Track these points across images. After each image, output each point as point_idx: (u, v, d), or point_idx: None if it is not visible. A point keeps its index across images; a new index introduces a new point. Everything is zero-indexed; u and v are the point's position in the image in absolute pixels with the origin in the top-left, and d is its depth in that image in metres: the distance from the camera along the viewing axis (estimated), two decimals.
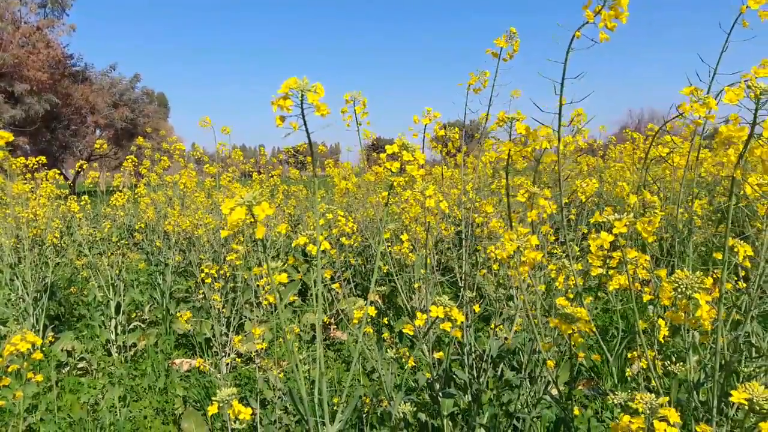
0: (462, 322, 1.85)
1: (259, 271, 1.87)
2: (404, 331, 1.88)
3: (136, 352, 5.45)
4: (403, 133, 1.93)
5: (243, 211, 1.39)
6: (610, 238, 1.59)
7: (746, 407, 1.39)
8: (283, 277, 1.61)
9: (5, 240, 5.73)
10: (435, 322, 1.84)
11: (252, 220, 1.42)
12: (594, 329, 1.84)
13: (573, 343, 1.92)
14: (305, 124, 1.55)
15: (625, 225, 1.59)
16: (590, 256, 1.69)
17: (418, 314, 1.83)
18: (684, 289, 1.54)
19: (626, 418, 1.51)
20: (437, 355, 2.18)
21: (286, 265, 1.75)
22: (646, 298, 2.20)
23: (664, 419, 1.47)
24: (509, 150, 1.92)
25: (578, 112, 2.87)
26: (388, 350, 3.17)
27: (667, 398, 1.51)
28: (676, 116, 1.86)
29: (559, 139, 1.89)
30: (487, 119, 3.46)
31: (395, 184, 1.72)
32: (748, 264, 1.96)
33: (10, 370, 2.30)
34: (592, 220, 1.64)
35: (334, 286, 3.02)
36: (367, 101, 1.90)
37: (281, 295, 1.56)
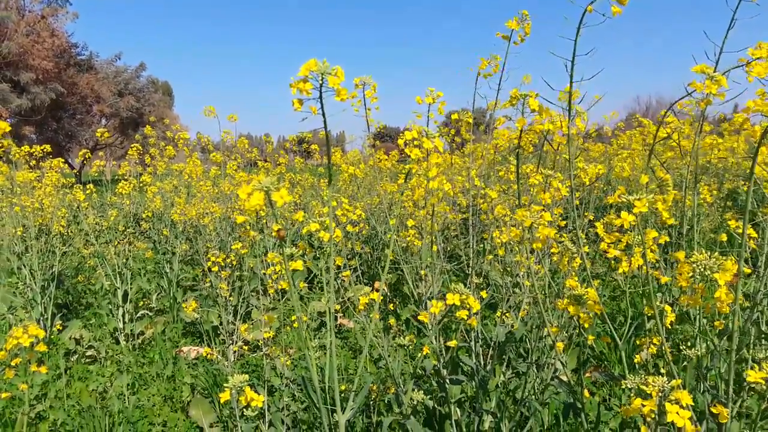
0: (478, 310, 1.84)
1: (272, 258, 1.87)
2: (420, 318, 1.88)
3: (144, 340, 5.47)
4: (413, 121, 1.92)
5: (261, 197, 1.39)
6: (631, 218, 1.58)
7: (764, 386, 1.39)
8: (299, 264, 1.61)
9: (12, 229, 5.75)
10: (451, 309, 1.83)
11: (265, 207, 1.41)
12: (603, 310, 1.83)
13: (582, 325, 1.91)
14: (323, 108, 1.54)
15: (646, 204, 1.56)
16: (605, 236, 1.67)
17: (434, 302, 1.83)
18: (703, 270, 1.53)
19: (638, 401, 1.50)
20: (451, 342, 2.18)
21: (299, 252, 1.74)
22: (663, 279, 2.19)
23: (676, 402, 1.47)
24: (521, 127, 1.90)
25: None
26: (396, 337, 3.17)
27: (680, 381, 1.50)
28: (686, 95, 1.84)
29: (570, 117, 1.88)
30: (496, 105, 3.44)
31: (413, 170, 1.71)
32: (755, 246, 1.95)
33: (13, 363, 2.30)
34: (610, 200, 1.63)
35: (343, 274, 3.02)
36: (377, 86, 1.88)
37: (294, 281, 1.56)
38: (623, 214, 1.57)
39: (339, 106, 1.63)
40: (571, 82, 1.82)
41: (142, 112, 38.40)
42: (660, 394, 1.49)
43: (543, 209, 2.01)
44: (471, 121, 3.30)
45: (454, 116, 2.92)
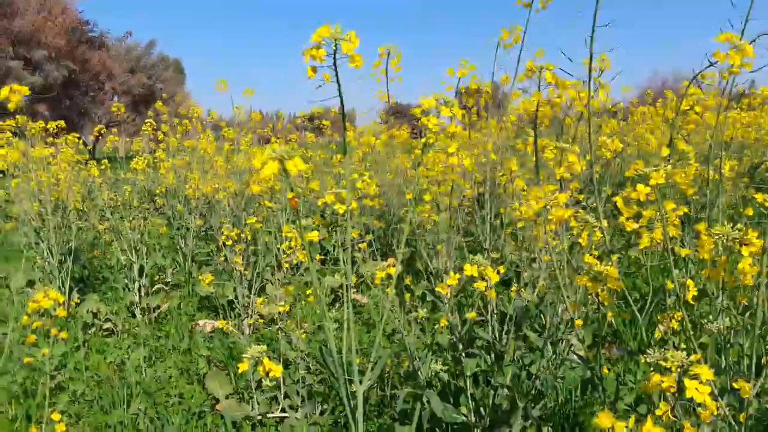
0: (496, 282, 1.82)
1: (286, 231, 1.87)
2: (437, 290, 1.87)
3: (160, 314, 5.52)
4: (427, 93, 1.88)
5: (276, 166, 1.37)
6: (647, 190, 1.55)
7: None
8: (314, 235, 1.60)
9: (29, 204, 5.78)
10: (467, 283, 1.82)
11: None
12: (623, 287, 1.81)
13: (601, 302, 1.89)
14: (337, 76, 1.52)
15: (663, 176, 1.54)
16: (624, 210, 1.65)
17: (452, 274, 1.81)
18: (726, 242, 1.50)
19: (657, 376, 1.48)
20: (470, 314, 2.17)
21: (315, 224, 1.73)
22: (684, 252, 2.16)
23: (695, 377, 1.45)
24: (537, 100, 1.86)
25: (603, 57, 2.79)
26: (411, 311, 3.17)
27: (700, 355, 1.48)
28: (709, 66, 1.79)
29: (590, 89, 1.84)
30: (515, 77, 3.39)
31: (431, 141, 1.68)
32: None
33: (34, 326, 2.32)
34: (627, 173, 1.60)
35: (361, 245, 3.01)
36: (401, 55, 1.86)
37: (311, 253, 1.55)
38: (639, 186, 1.55)
39: (357, 73, 1.61)
40: (591, 54, 1.78)
41: (153, 89, 38.36)
42: (679, 369, 1.47)
43: (558, 189, 1.98)
44: (489, 90, 3.25)
45: (473, 85, 2.87)
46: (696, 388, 1.42)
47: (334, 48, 1.51)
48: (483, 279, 1.93)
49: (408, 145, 7.90)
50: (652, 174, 1.55)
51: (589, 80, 1.98)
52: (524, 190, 3.42)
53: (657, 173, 1.55)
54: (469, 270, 1.84)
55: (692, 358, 1.47)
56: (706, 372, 1.44)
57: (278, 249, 5.89)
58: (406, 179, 7.13)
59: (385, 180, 7.51)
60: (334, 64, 1.54)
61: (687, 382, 1.43)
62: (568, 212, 1.90)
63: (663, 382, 1.46)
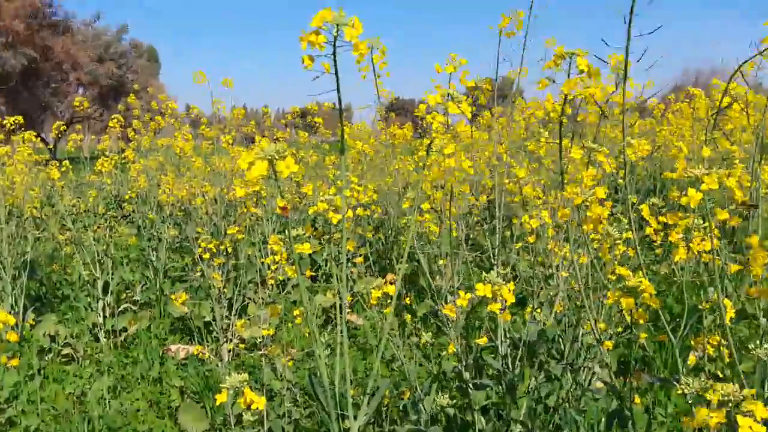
0: (511, 303, 1.81)
1: (273, 243, 1.85)
2: (444, 312, 1.85)
3: (127, 338, 5.50)
4: (429, 90, 1.87)
5: (264, 166, 1.37)
6: (699, 196, 1.53)
7: None
8: (306, 247, 1.59)
9: None
10: (482, 302, 1.81)
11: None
12: (659, 305, 1.80)
13: (635, 321, 1.87)
14: (336, 66, 1.52)
15: (716, 180, 1.52)
16: (651, 219, 1.63)
17: (461, 293, 1.80)
18: None
19: (704, 411, 1.46)
20: (481, 339, 2.15)
21: (306, 234, 1.72)
22: (733, 268, 2.14)
23: (749, 414, 1.42)
24: (568, 91, 1.85)
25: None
26: (412, 336, 3.16)
27: (753, 390, 1.46)
28: (758, 54, 1.79)
29: (625, 78, 1.83)
30: (520, 71, 3.39)
31: (435, 141, 1.67)
32: None
33: None
34: (671, 174, 1.58)
35: (357, 259, 3.00)
36: (386, 49, 1.85)
37: (301, 268, 1.54)
38: (690, 191, 1.53)
39: (352, 68, 1.61)
40: (628, 36, 1.77)
41: (124, 80, 38.39)
42: (729, 404, 1.45)
43: (592, 187, 1.97)
44: (490, 87, 3.26)
45: (469, 83, 2.86)
46: (750, 427, 1.40)
47: (335, 34, 1.51)
48: (496, 300, 1.92)
49: (410, 145, 7.91)
50: (704, 177, 1.53)
51: (626, 66, 1.96)
52: (539, 198, 3.42)
53: (709, 177, 1.53)
54: (482, 290, 1.83)
55: (744, 392, 1.45)
56: (761, 410, 1.41)
57: (262, 263, 5.88)
58: (408, 184, 7.13)
59: (384, 185, 7.51)
60: (334, 52, 1.54)
61: (740, 419, 1.41)
62: (607, 210, 1.91)
63: (712, 417, 1.44)
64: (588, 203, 1.88)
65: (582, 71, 1.86)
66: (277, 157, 1.39)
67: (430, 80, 2.53)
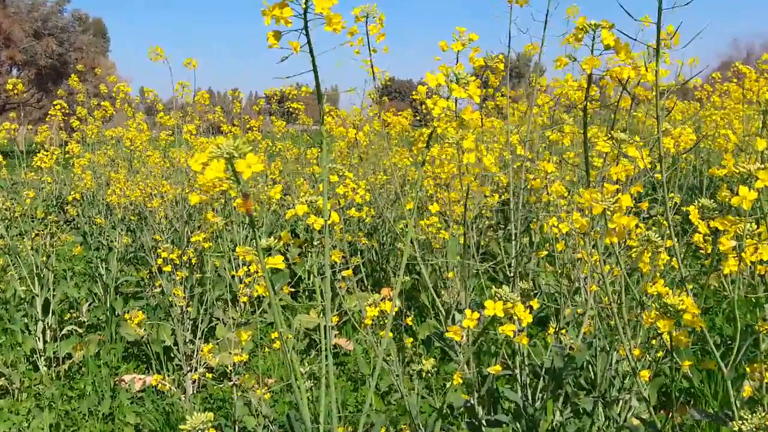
0: (528, 323, 1.80)
1: (242, 253, 1.83)
2: (449, 335, 1.83)
3: (72, 366, 5.48)
4: (431, 70, 1.86)
5: (221, 167, 1.35)
6: (753, 195, 1.52)
7: None
8: (278, 260, 1.58)
9: None
10: (493, 321, 1.79)
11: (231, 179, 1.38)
12: (705, 327, 1.79)
13: (675, 346, 1.86)
14: (309, 43, 1.51)
15: None
16: (700, 224, 1.63)
17: (468, 312, 1.78)
18: None
19: None
20: (493, 368, 2.14)
21: (279, 244, 1.71)
22: None
23: None
24: (590, 71, 1.84)
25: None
26: (412, 363, 3.15)
27: None
28: None
29: (658, 57, 1.82)
30: (542, 45, 3.39)
31: (437, 131, 1.66)
32: None
33: None
34: (718, 172, 1.58)
35: (345, 273, 2.99)
36: (384, 17, 1.85)
37: (273, 285, 1.53)
38: (742, 189, 1.52)
39: (330, 44, 1.60)
40: (659, 8, 1.77)
41: (66, 59, 38.33)
42: None
43: (618, 190, 1.96)
44: (501, 66, 3.25)
45: (478, 62, 2.84)
46: None
47: (305, 6, 1.50)
48: (511, 320, 1.90)
49: (407, 135, 7.91)
50: (759, 173, 1.52)
51: (657, 42, 1.95)
52: (564, 198, 3.42)
53: (765, 172, 1.52)
54: (492, 308, 1.81)
55: None
56: None
57: (233, 277, 5.87)
58: (405, 182, 7.13)
59: (377, 182, 7.52)
60: (305, 27, 1.53)
61: None
62: (634, 220, 1.88)
63: None
64: (611, 212, 1.86)
65: (608, 47, 1.84)
66: (236, 155, 1.37)
67: (434, 59, 2.52)
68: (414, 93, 8.22)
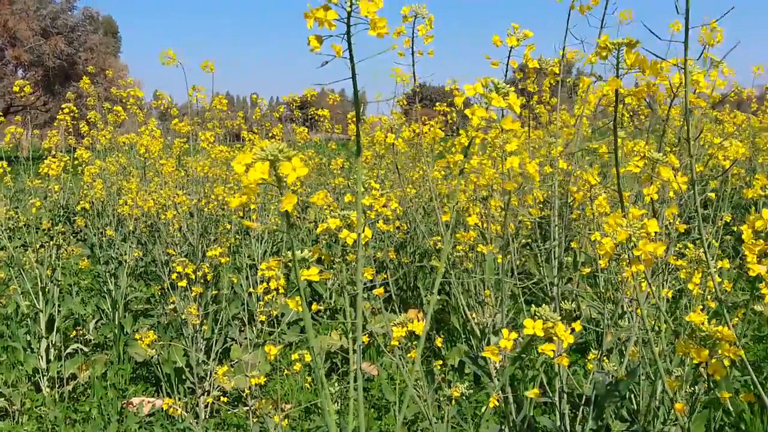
0: (569, 345, 1.81)
1: (273, 265, 1.85)
2: (483, 355, 1.84)
3: (77, 387, 5.52)
4: (455, 79, 1.89)
5: (265, 169, 1.39)
6: None
7: None
8: (314, 272, 1.61)
9: None
10: (531, 343, 1.81)
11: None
12: (743, 356, 1.80)
13: (712, 376, 1.87)
14: (350, 48, 1.55)
15: None
16: (749, 245, 1.65)
17: (505, 332, 1.79)
18: None
19: None
20: (531, 392, 2.15)
21: (315, 257, 1.74)
22: None
23: None
24: (612, 92, 1.86)
25: (712, 26, 2.79)
26: (443, 387, 3.16)
27: None
28: None
29: (686, 70, 1.84)
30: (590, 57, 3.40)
31: (475, 142, 1.68)
32: None
33: None
34: (748, 192, 1.59)
35: (376, 291, 3.01)
36: (433, 18, 1.87)
37: (306, 300, 1.55)
38: (765, 211, 1.54)
39: (368, 50, 1.63)
40: (687, 13, 1.79)
41: (75, 59, 38.72)
42: None
43: (646, 214, 1.96)
44: (557, 70, 3.26)
45: (533, 63, 2.87)
46: None
47: (349, 9, 1.54)
48: (550, 341, 1.91)
49: (438, 146, 7.91)
50: None
51: (685, 54, 1.97)
52: (607, 215, 3.42)
53: None
54: (531, 327, 1.82)
55: None
56: None
57: (250, 294, 5.90)
58: (435, 196, 7.13)
59: (405, 196, 7.52)
60: (348, 32, 1.57)
61: None
62: (662, 247, 1.89)
63: None
64: (636, 239, 1.87)
65: (632, 67, 1.87)
66: (281, 158, 1.41)
67: (484, 56, 2.54)
68: (437, 104, 8.20)
